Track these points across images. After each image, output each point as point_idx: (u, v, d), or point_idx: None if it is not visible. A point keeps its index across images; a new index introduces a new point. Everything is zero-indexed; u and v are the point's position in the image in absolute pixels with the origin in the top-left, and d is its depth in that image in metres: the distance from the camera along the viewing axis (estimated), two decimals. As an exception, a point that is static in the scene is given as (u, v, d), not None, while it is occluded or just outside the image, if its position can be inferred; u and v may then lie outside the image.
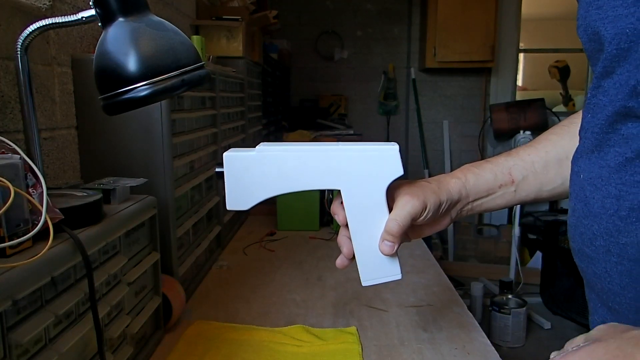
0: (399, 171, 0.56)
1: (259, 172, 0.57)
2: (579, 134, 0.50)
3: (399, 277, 0.59)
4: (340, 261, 0.61)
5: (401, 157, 0.56)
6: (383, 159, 0.56)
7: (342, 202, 0.59)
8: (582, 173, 0.47)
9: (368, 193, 0.57)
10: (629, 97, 0.41)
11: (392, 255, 0.58)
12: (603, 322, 0.47)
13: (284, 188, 0.58)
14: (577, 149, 0.50)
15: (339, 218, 0.59)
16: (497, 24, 3.49)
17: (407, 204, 0.57)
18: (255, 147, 0.58)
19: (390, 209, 0.58)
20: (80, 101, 0.90)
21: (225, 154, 0.57)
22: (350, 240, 0.59)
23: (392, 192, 0.59)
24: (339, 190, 0.58)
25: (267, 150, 0.57)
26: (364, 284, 0.59)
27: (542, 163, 0.62)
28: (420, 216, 0.58)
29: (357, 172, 0.56)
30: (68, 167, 0.89)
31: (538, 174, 0.62)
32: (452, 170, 0.67)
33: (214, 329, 0.87)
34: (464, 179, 0.62)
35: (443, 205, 0.60)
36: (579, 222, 0.48)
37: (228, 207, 0.58)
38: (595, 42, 0.44)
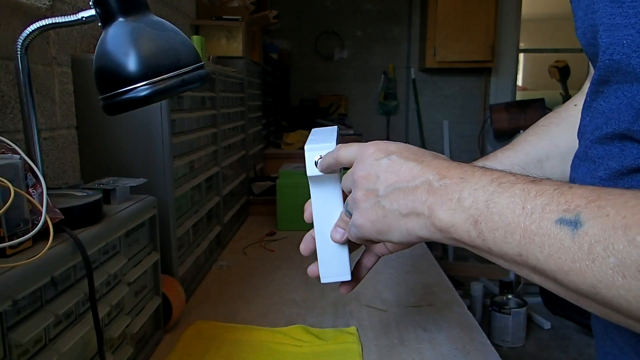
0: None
1: None
2: (577, 136, 0.48)
3: (348, 278, 0.59)
4: (310, 269, 0.60)
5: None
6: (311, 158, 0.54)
7: None
8: (577, 182, 0.45)
9: (325, 189, 0.56)
10: (634, 120, 0.38)
11: (342, 253, 0.57)
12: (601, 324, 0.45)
13: None
14: (575, 153, 0.48)
15: (305, 214, 0.59)
16: (497, 24, 3.49)
17: None
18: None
19: None
20: (80, 101, 0.90)
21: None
22: (313, 238, 0.59)
23: None
24: None
25: None
26: (322, 281, 0.59)
27: (522, 165, 0.61)
28: None
29: (310, 169, 0.54)
30: (68, 167, 0.89)
31: None
32: None
33: (214, 329, 0.87)
34: None
35: None
36: None
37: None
38: (593, 46, 0.42)
